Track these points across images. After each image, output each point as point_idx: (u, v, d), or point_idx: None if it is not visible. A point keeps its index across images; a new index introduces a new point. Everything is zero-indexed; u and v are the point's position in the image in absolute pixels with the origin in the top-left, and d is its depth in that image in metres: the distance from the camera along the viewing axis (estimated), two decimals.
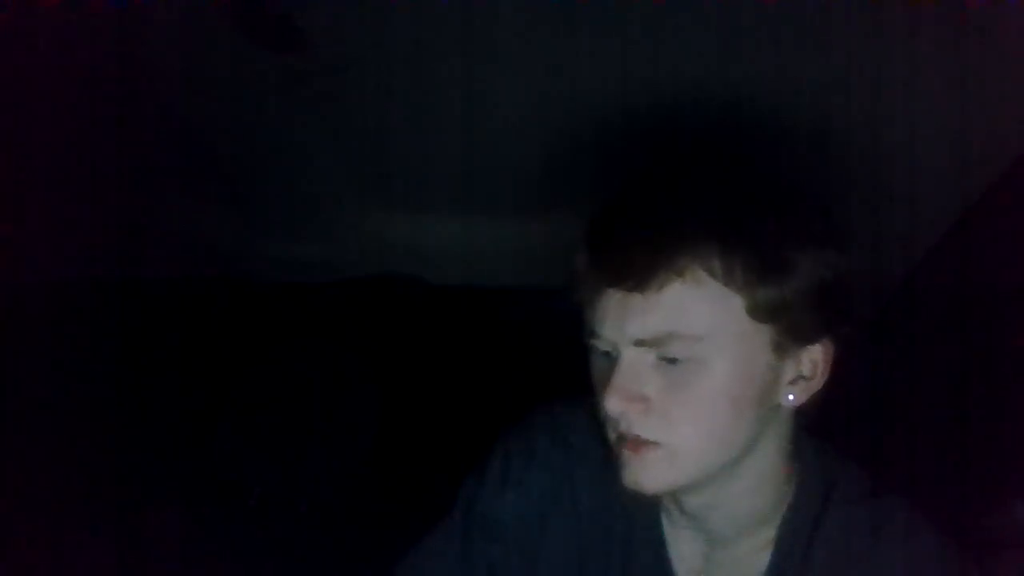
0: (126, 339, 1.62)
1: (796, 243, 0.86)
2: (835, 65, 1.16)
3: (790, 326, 0.87)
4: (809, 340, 0.89)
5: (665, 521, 1.00)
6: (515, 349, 1.75)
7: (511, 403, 1.10)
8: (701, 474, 0.90)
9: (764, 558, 0.96)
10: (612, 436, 0.90)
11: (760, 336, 0.87)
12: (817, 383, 0.91)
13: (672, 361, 0.86)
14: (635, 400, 0.87)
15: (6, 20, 1.10)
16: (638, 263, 0.84)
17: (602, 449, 0.99)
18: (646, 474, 0.89)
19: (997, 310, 1.34)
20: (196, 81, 1.28)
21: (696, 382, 0.86)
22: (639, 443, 0.88)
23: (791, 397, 0.90)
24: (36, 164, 1.38)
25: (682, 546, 0.99)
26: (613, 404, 0.86)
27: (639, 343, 0.86)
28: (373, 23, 1.15)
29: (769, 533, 0.96)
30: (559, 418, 1.04)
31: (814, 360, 0.90)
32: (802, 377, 0.90)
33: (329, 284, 1.71)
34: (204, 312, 1.69)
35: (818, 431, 0.97)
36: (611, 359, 0.88)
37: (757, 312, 0.85)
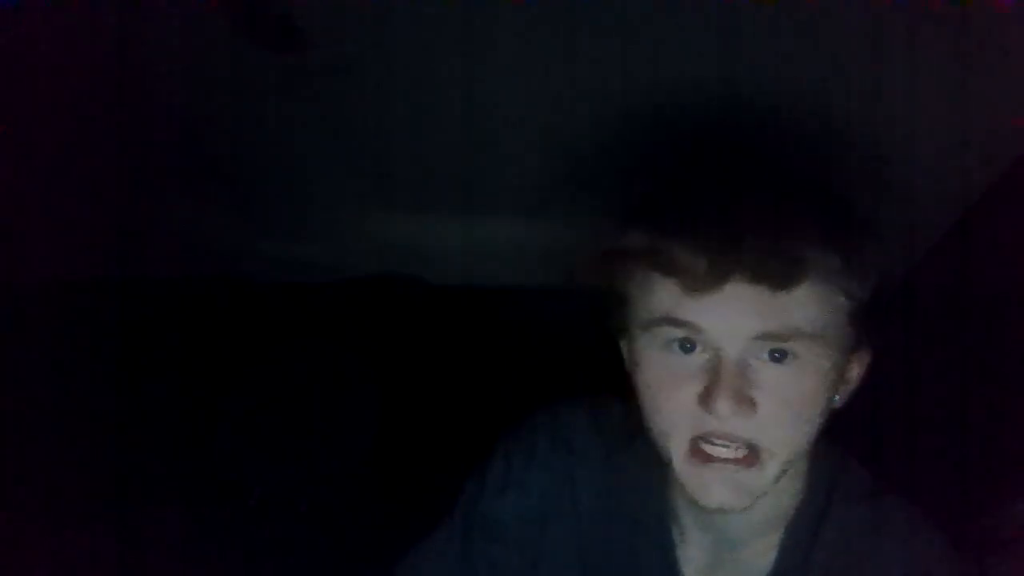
0: (126, 339, 1.62)
1: (873, 249, 0.88)
2: (835, 65, 1.16)
3: (863, 330, 0.89)
4: (865, 346, 0.91)
5: (672, 521, 0.99)
6: (515, 349, 1.75)
7: (511, 403, 1.10)
8: (777, 480, 0.89)
9: (769, 558, 0.96)
10: (685, 448, 0.86)
11: (850, 339, 0.88)
12: (852, 388, 0.93)
13: (777, 358, 0.85)
14: (743, 401, 0.84)
15: (6, 20, 1.10)
16: (784, 263, 0.83)
17: (604, 450, 0.99)
18: (741, 490, 0.86)
19: (997, 310, 1.34)
20: (196, 81, 1.28)
21: (800, 380, 0.85)
22: (742, 456, 0.85)
23: (838, 399, 0.91)
24: (36, 164, 1.37)
25: (689, 547, 0.99)
26: (725, 405, 0.83)
27: (761, 336, 0.84)
28: (373, 23, 1.15)
29: (777, 534, 0.96)
30: (560, 419, 1.04)
31: (860, 366, 0.92)
32: (847, 382, 0.92)
33: (329, 284, 1.71)
34: (204, 312, 1.68)
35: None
36: (697, 355, 0.85)
37: (854, 315, 0.87)
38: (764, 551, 0.96)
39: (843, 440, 1.00)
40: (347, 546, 1.61)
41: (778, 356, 0.84)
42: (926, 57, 1.12)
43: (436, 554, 1.06)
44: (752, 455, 0.86)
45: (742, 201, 0.87)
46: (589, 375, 0.97)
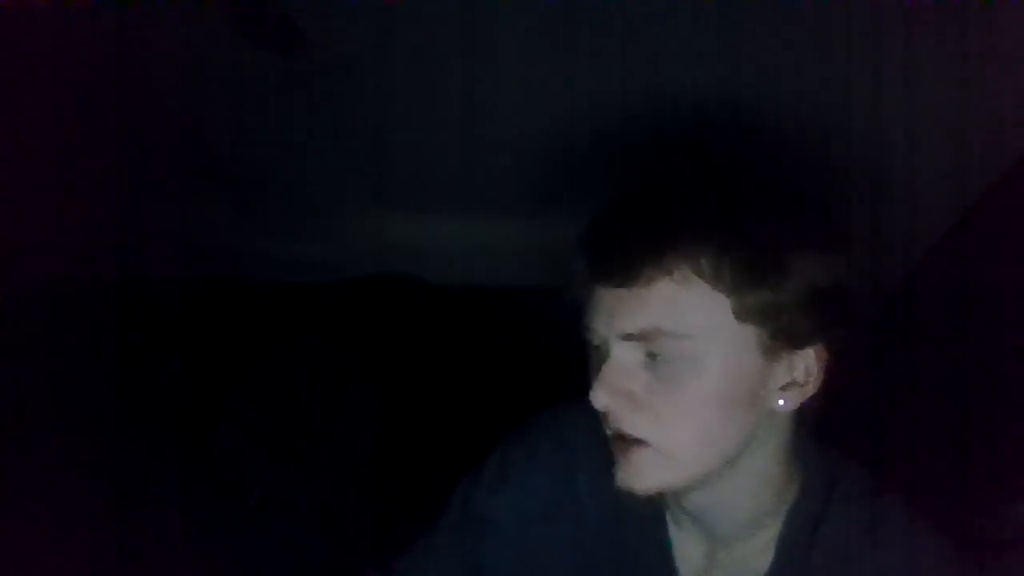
0: (126, 339, 1.62)
1: (789, 246, 0.85)
2: (835, 65, 1.16)
3: (780, 329, 0.86)
4: (801, 344, 0.88)
5: (670, 521, 1.00)
6: (515, 349, 1.75)
7: (511, 403, 1.10)
8: (693, 475, 0.90)
9: (767, 558, 0.96)
10: (608, 435, 0.91)
11: (748, 338, 0.86)
12: (811, 388, 0.90)
13: (659, 359, 0.86)
14: (620, 395, 0.87)
15: (6, 20, 1.10)
16: (628, 260, 0.85)
17: (604, 451, 0.99)
18: (636, 474, 0.89)
19: (997, 310, 1.34)
20: (196, 81, 1.28)
21: (683, 381, 0.86)
22: (628, 442, 0.88)
23: (782, 402, 0.89)
24: (36, 164, 1.37)
25: (686, 546, 0.99)
26: (598, 397, 0.87)
27: (627, 337, 0.86)
28: (373, 23, 1.15)
29: (771, 533, 0.96)
30: (560, 420, 1.04)
31: (807, 365, 0.89)
32: (795, 382, 0.89)
33: (329, 284, 1.71)
34: (204, 312, 1.69)
35: (818, 431, 0.97)
36: (603, 355, 0.89)
37: (744, 314, 0.85)
38: (761, 550, 0.96)
39: (843, 440, 1.00)
40: (347, 546, 1.61)
41: (654, 356, 0.86)
42: (926, 57, 1.12)
43: (433, 551, 1.06)
44: (637, 444, 0.88)
45: (626, 204, 0.90)
46: (588, 375, 0.97)
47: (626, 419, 0.88)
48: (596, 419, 1.02)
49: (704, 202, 0.88)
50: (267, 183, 1.55)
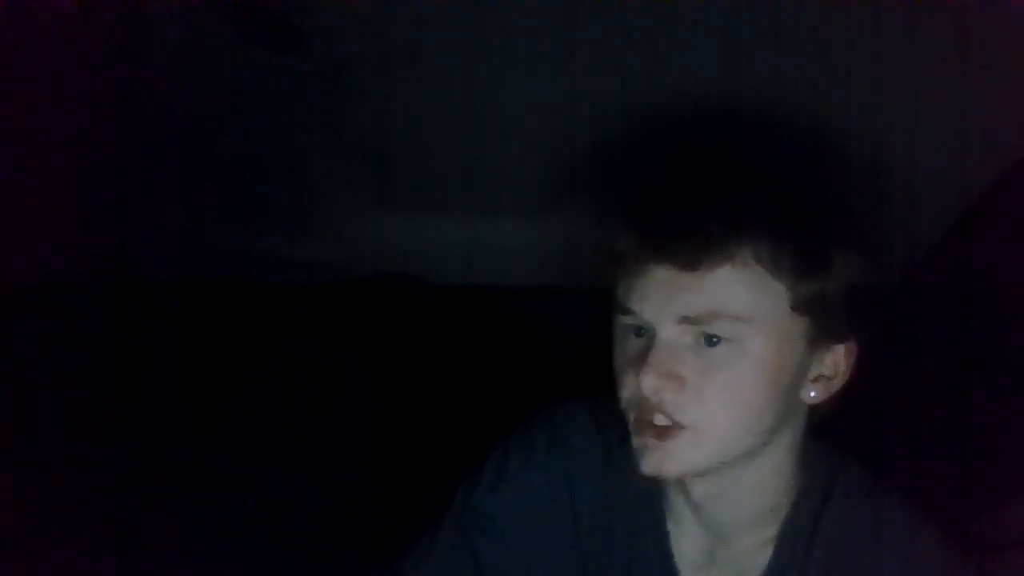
0: (126, 339, 1.62)
1: (838, 242, 0.89)
2: (835, 65, 1.16)
3: (824, 322, 0.89)
4: (838, 339, 0.91)
5: (669, 517, 1.00)
6: (515, 349, 1.75)
7: (511, 403, 1.10)
8: (721, 458, 0.91)
9: (766, 555, 0.96)
10: (632, 420, 0.91)
11: (797, 328, 0.89)
12: (838, 384, 0.93)
13: (712, 342, 0.87)
14: (671, 378, 0.87)
15: (6, 20, 1.10)
16: (693, 244, 0.86)
17: (603, 450, 0.99)
18: (668, 458, 0.89)
19: (997, 310, 1.34)
20: (196, 81, 1.28)
21: (733, 364, 0.87)
22: (667, 427, 0.88)
23: (812, 394, 0.92)
24: (36, 164, 1.37)
25: (685, 542, 0.99)
26: (649, 381, 0.87)
27: (684, 320, 0.87)
28: (373, 23, 1.15)
29: (771, 530, 0.96)
30: (558, 419, 1.05)
31: (837, 360, 0.92)
32: (824, 376, 0.92)
33: (329, 284, 1.71)
34: (204, 312, 1.69)
35: (818, 431, 0.97)
36: (644, 338, 0.90)
37: (798, 303, 0.88)
38: (760, 547, 0.96)
39: (843, 440, 1.00)
40: (347, 546, 1.61)
41: (713, 340, 0.87)
42: (926, 57, 1.12)
43: (436, 551, 1.06)
44: (675, 428, 0.88)
45: (683, 191, 0.92)
46: (589, 375, 0.97)
47: (669, 403, 0.88)
48: (594, 418, 1.02)
49: (763, 193, 0.90)
50: (267, 183, 1.55)
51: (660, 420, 0.88)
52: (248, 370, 1.69)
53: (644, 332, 0.90)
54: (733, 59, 1.16)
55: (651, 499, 0.99)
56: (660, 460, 0.89)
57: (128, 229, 1.56)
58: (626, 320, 0.91)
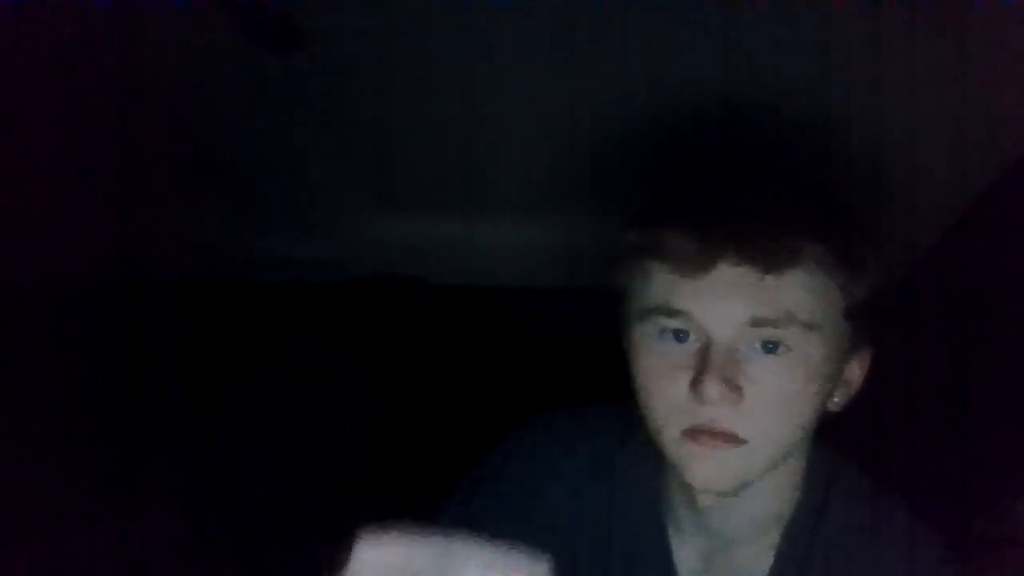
0: (126, 339, 1.62)
1: (872, 245, 0.88)
2: (835, 65, 1.16)
3: (862, 327, 0.88)
4: (866, 344, 0.90)
5: (669, 522, 1.00)
6: (515, 349, 1.75)
7: (511, 403, 1.10)
8: (765, 471, 0.87)
9: (766, 561, 0.96)
10: (674, 430, 0.85)
11: (846, 334, 0.87)
12: (853, 389, 0.92)
13: (769, 348, 0.83)
14: (731, 387, 0.82)
15: (6, 20, 1.10)
16: (771, 243, 0.82)
17: (604, 455, 0.99)
18: (721, 470, 0.85)
19: (997, 310, 1.34)
20: (196, 81, 1.28)
21: (792, 372, 0.83)
22: (721, 437, 0.83)
23: (836, 400, 0.90)
24: (36, 164, 1.37)
25: (684, 548, 0.99)
26: (714, 387, 0.81)
27: (755, 322, 0.82)
28: (373, 23, 1.15)
29: (773, 536, 0.96)
30: (559, 422, 1.04)
31: (861, 366, 0.91)
32: (846, 382, 0.91)
33: (329, 284, 1.71)
34: (204, 313, 1.68)
35: (818, 431, 0.97)
36: (689, 343, 0.84)
37: (850, 309, 0.85)
38: (761, 553, 0.96)
39: (843, 440, 1.00)
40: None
41: (771, 347, 0.83)
42: (926, 57, 1.12)
43: None
44: (732, 439, 0.84)
45: (735, 188, 0.88)
46: (589, 375, 0.97)
47: (729, 413, 0.83)
48: (594, 421, 1.02)
49: (815, 195, 0.88)
50: (267, 183, 1.55)
51: (718, 427, 0.83)
52: (248, 370, 1.69)
53: (687, 337, 0.84)
54: (734, 60, 1.16)
55: (650, 504, 0.99)
56: (713, 472, 0.85)
57: (128, 229, 1.56)
58: (668, 323, 0.84)
